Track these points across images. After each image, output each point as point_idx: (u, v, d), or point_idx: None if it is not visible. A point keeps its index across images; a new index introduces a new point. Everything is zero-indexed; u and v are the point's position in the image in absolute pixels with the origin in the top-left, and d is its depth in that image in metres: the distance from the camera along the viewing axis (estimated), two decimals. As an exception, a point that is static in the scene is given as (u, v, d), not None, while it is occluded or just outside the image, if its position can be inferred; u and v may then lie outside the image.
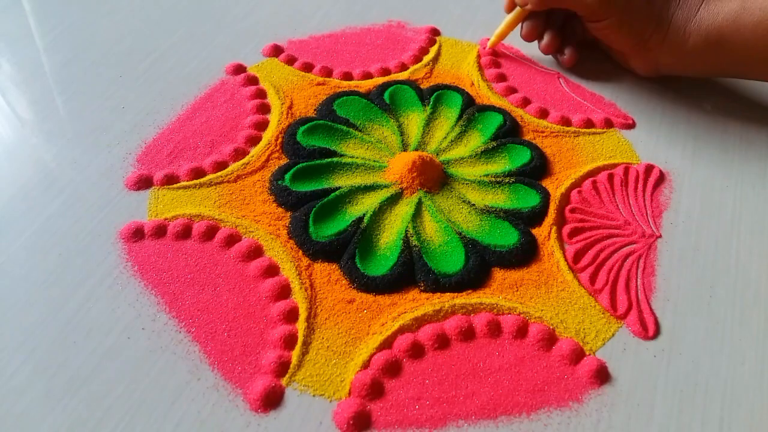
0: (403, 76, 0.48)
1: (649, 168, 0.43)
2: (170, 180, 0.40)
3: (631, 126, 0.46)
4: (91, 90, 0.47)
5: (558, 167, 0.42)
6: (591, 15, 0.44)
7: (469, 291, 0.36)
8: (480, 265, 0.36)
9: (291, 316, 0.34)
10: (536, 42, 0.50)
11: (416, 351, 0.33)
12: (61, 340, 0.33)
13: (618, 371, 0.33)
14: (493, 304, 0.35)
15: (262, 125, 0.44)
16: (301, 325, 0.34)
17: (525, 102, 0.47)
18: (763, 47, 0.41)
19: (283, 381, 0.32)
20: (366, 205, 0.39)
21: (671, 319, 0.35)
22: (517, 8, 0.48)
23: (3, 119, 0.45)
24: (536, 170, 0.42)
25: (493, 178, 0.41)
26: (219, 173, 0.41)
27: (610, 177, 0.42)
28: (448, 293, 0.35)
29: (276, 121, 0.44)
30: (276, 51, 0.50)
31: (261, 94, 0.46)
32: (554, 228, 0.39)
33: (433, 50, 0.51)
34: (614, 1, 0.43)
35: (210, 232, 0.38)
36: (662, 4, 0.43)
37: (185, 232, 0.38)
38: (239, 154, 0.42)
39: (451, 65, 0.50)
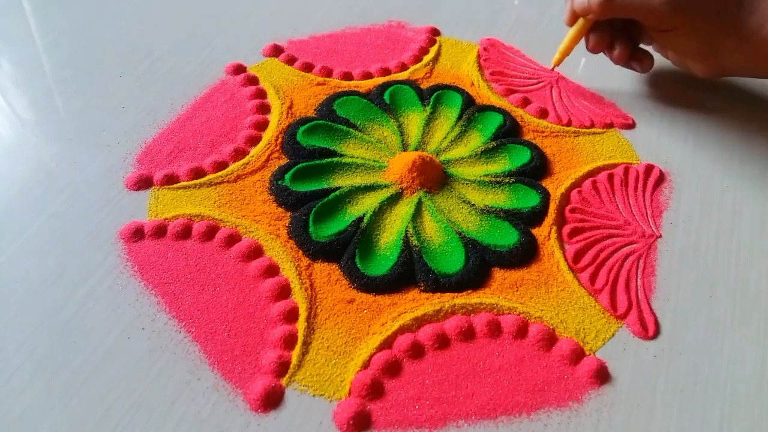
0: (403, 76, 0.48)
1: (649, 168, 0.43)
2: (170, 180, 0.40)
3: (631, 126, 0.46)
4: (91, 90, 0.47)
5: (558, 167, 0.42)
6: (660, 24, 0.42)
7: (469, 291, 0.36)
8: (480, 265, 0.36)
9: (291, 316, 0.34)
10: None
11: (416, 351, 0.33)
12: (61, 340, 0.33)
13: (618, 371, 0.33)
14: (493, 304, 0.35)
15: (262, 125, 0.44)
16: (301, 325, 0.34)
17: (525, 102, 0.47)
18: None
19: (283, 381, 0.32)
20: (366, 205, 0.39)
21: (671, 319, 0.35)
22: (580, 20, 0.45)
23: (3, 119, 0.45)
24: (536, 170, 0.42)
25: (493, 178, 0.41)
26: (219, 173, 0.41)
27: (610, 177, 0.42)
28: (448, 293, 0.35)
29: (276, 121, 0.44)
30: (276, 51, 0.50)
31: (261, 94, 0.46)
32: (554, 228, 0.39)
33: (433, 50, 0.51)
34: (686, 8, 0.40)
35: (210, 232, 0.38)
36: (734, 10, 0.41)
37: (185, 232, 0.38)
38: (239, 154, 0.42)
39: (451, 65, 0.50)
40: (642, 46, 0.47)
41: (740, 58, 0.42)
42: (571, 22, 0.46)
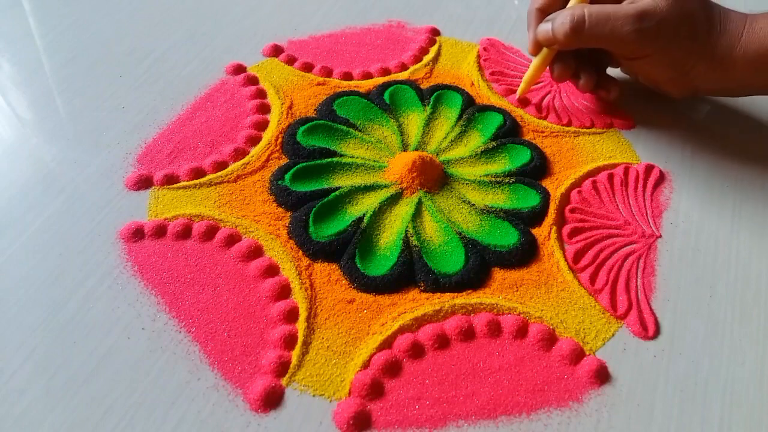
0: (403, 76, 0.48)
1: (649, 168, 0.43)
2: (170, 180, 0.40)
3: (631, 126, 0.46)
4: (91, 90, 0.47)
5: (558, 167, 0.42)
6: (631, 53, 0.41)
7: (469, 291, 0.36)
8: (480, 265, 0.36)
9: (291, 316, 0.34)
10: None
11: (416, 351, 0.33)
12: (61, 340, 0.33)
13: (618, 371, 0.33)
14: (493, 304, 0.35)
15: (262, 125, 0.44)
16: (301, 325, 0.34)
17: (525, 102, 0.47)
18: None
19: (283, 381, 0.32)
20: (366, 205, 0.39)
21: (671, 319, 0.35)
22: (544, 50, 0.43)
23: (3, 119, 0.45)
24: (536, 170, 0.42)
25: (493, 178, 0.41)
26: (219, 173, 0.41)
27: (610, 177, 0.42)
28: (448, 293, 0.35)
29: (276, 121, 0.44)
30: (276, 51, 0.50)
31: (261, 94, 0.46)
32: (554, 228, 0.39)
33: (433, 50, 0.51)
34: (656, 36, 0.39)
35: (210, 232, 0.38)
36: (705, 33, 0.40)
37: (185, 232, 0.38)
38: (239, 154, 0.42)
39: (451, 65, 0.50)
40: (610, 70, 0.47)
41: (712, 79, 0.42)
42: (535, 51, 0.44)
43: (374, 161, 0.42)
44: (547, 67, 0.44)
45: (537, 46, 0.44)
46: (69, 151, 0.42)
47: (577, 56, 0.44)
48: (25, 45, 0.50)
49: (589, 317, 0.35)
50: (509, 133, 0.44)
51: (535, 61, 0.44)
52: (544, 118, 0.46)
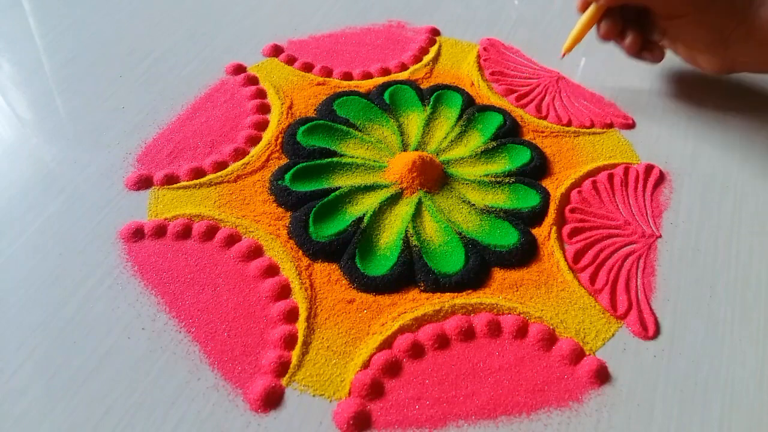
0: (403, 76, 0.48)
1: (649, 168, 0.43)
2: (170, 180, 0.40)
3: (631, 126, 0.46)
4: (91, 90, 0.47)
5: (558, 167, 0.42)
6: (671, 11, 0.42)
7: (469, 291, 0.36)
8: (480, 265, 0.36)
9: (291, 316, 0.34)
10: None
11: (416, 351, 0.33)
12: (61, 340, 0.33)
13: (618, 371, 0.33)
14: (493, 304, 0.35)
15: (262, 125, 0.44)
16: (301, 325, 0.34)
17: (525, 102, 0.47)
18: None
19: (283, 381, 0.32)
20: (366, 205, 0.39)
21: (671, 319, 0.35)
22: (592, 6, 0.44)
23: (3, 119, 0.45)
24: (536, 170, 0.42)
25: (493, 178, 0.41)
26: (219, 173, 0.41)
27: (610, 177, 0.42)
28: (448, 293, 0.35)
29: (276, 121, 0.44)
30: (276, 51, 0.50)
31: (261, 94, 0.46)
32: (554, 228, 0.39)
33: (433, 50, 0.51)
34: None
35: (210, 232, 0.38)
36: (745, 0, 0.41)
37: (185, 232, 0.38)
38: (239, 154, 0.42)
39: (451, 65, 0.50)
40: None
41: (751, 49, 0.42)
42: (583, 8, 0.45)
43: (374, 161, 0.42)
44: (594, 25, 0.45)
45: (585, 2, 0.44)
46: (69, 151, 0.42)
47: (624, 18, 0.45)
48: (25, 45, 0.50)
49: (589, 317, 0.35)
50: (509, 133, 0.44)
51: (583, 18, 0.45)
52: (544, 118, 0.46)
